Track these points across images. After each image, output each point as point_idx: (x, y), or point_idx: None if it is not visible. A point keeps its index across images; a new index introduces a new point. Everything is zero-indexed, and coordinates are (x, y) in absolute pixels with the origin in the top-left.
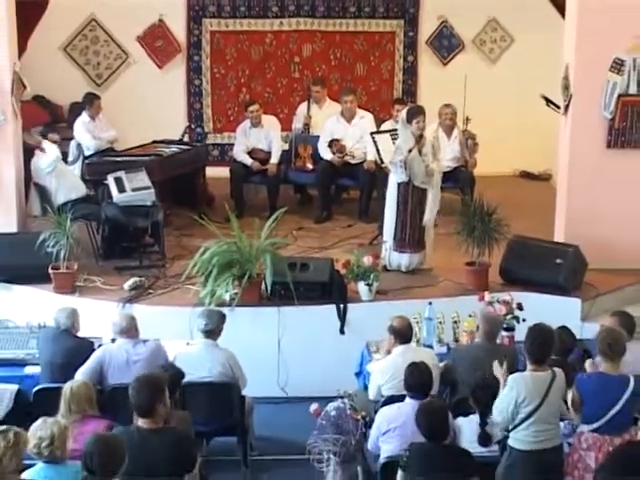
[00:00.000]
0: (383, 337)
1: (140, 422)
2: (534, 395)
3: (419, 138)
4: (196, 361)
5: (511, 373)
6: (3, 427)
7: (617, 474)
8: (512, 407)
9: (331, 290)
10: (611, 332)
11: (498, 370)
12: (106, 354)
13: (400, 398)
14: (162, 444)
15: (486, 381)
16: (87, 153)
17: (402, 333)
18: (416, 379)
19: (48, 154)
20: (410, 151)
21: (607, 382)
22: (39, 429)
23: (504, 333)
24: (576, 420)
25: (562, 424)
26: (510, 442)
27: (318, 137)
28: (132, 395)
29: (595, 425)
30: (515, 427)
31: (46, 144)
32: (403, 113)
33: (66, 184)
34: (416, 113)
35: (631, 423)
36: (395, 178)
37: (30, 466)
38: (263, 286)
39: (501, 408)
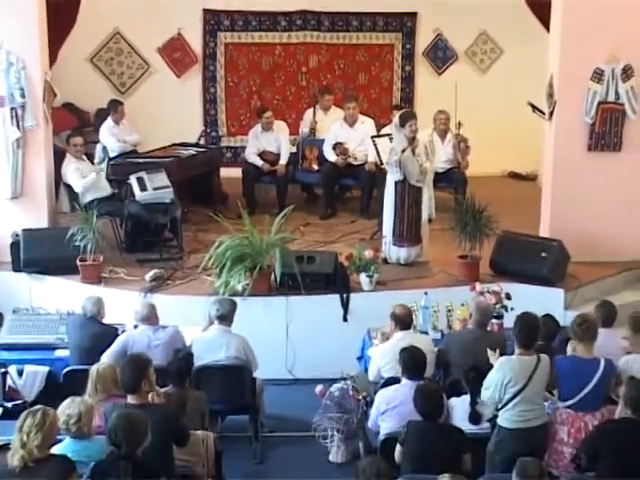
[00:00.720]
0: (383, 324)
1: (129, 399)
2: (519, 377)
3: (412, 140)
4: (211, 345)
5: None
6: (34, 407)
7: (598, 449)
8: (498, 387)
9: (335, 281)
10: (584, 319)
11: (493, 357)
12: (129, 339)
13: (398, 380)
14: (151, 419)
15: (477, 364)
16: (112, 155)
17: (403, 320)
18: (411, 362)
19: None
20: (403, 151)
21: (580, 364)
22: (68, 407)
23: (494, 321)
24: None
25: (546, 404)
26: (499, 421)
27: (323, 140)
28: (120, 374)
29: (569, 402)
30: (503, 407)
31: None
32: (396, 118)
33: (93, 186)
34: (408, 117)
35: (602, 403)
36: (392, 177)
37: (59, 441)
38: (272, 277)
39: (487, 387)
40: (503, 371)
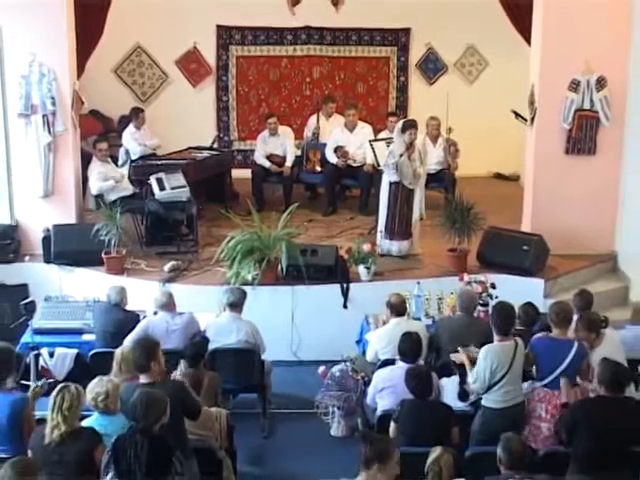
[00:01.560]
0: (380, 311)
1: (141, 378)
2: (504, 362)
3: (409, 146)
4: (223, 330)
5: (485, 343)
6: (66, 385)
7: (575, 424)
8: (488, 373)
9: (336, 272)
10: (560, 304)
11: (461, 357)
12: (149, 324)
13: (393, 362)
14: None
15: (464, 348)
16: (133, 157)
17: (397, 308)
18: (408, 346)
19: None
20: (401, 156)
21: (555, 344)
22: (97, 386)
23: (480, 308)
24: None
25: (525, 384)
26: (484, 402)
27: (325, 144)
28: (131, 355)
29: (546, 381)
30: (488, 389)
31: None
32: (400, 123)
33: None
34: (410, 126)
35: (575, 381)
36: (387, 178)
37: (86, 416)
38: (279, 268)
39: (477, 376)
40: (490, 358)
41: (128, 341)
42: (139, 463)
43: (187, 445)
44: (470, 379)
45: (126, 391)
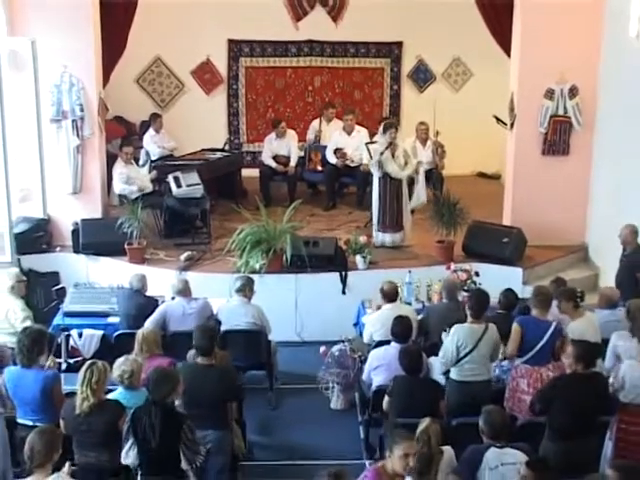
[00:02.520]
0: (375, 297)
1: (199, 359)
2: (469, 341)
3: (389, 145)
4: (233, 314)
5: None
6: (94, 362)
7: (551, 397)
8: (453, 349)
9: (335, 261)
10: (541, 288)
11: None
12: (167, 308)
13: (387, 342)
14: (215, 376)
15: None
16: (153, 158)
17: (389, 294)
18: (399, 328)
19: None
20: (381, 154)
21: (535, 323)
22: (123, 364)
23: (464, 294)
24: (509, 358)
25: (505, 363)
26: (451, 375)
27: (326, 146)
28: (196, 339)
29: (526, 357)
30: (455, 364)
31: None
32: (381, 125)
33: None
34: (389, 127)
35: (550, 358)
36: (375, 175)
37: (111, 390)
38: (284, 258)
39: (445, 350)
40: (457, 336)
41: (148, 323)
42: (153, 431)
43: (227, 420)
44: (440, 353)
45: (184, 369)
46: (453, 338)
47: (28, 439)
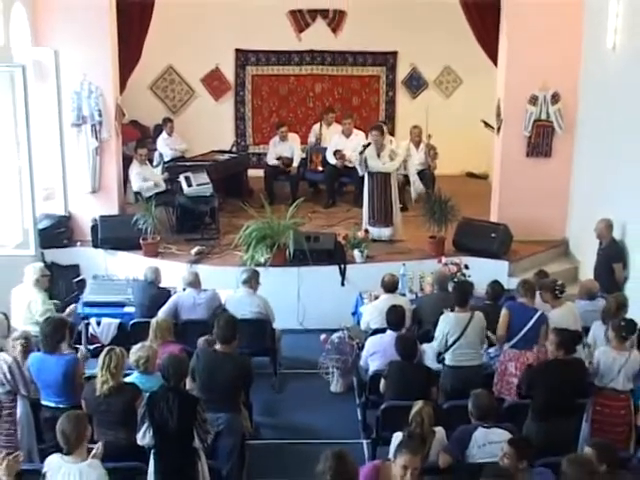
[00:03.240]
0: (372, 288)
1: (219, 347)
2: (456, 329)
3: (368, 144)
4: (240, 304)
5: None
6: (112, 348)
7: (534, 381)
8: (442, 336)
9: (335, 255)
10: (527, 279)
11: None
12: (179, 299)
13: (382, 330)
14: (232, 364)
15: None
16: (166, 159)
17: (388, 286)
18: (393, 317)
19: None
20: (361, 153)
21: (522, 309)
22: (139, 350)
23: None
24: (498, 341)
25: (492, 349)
26: (445, 361)
27: (326, 148)
28: (220, 328)
29: (513, 342)
30: (446, 350)
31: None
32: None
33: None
34: (373, 128)
35: (536, 342)
36: (359, 172)
37: (128, 374)
38: (287, 252)
39: (436, 337)
40: (445, 324)
41: (161, 313)
42: (171, 414)
43: (239, 404)
44: (434, 340)
45: (203, 355)
46: (441, 326)
47: (58, 424)
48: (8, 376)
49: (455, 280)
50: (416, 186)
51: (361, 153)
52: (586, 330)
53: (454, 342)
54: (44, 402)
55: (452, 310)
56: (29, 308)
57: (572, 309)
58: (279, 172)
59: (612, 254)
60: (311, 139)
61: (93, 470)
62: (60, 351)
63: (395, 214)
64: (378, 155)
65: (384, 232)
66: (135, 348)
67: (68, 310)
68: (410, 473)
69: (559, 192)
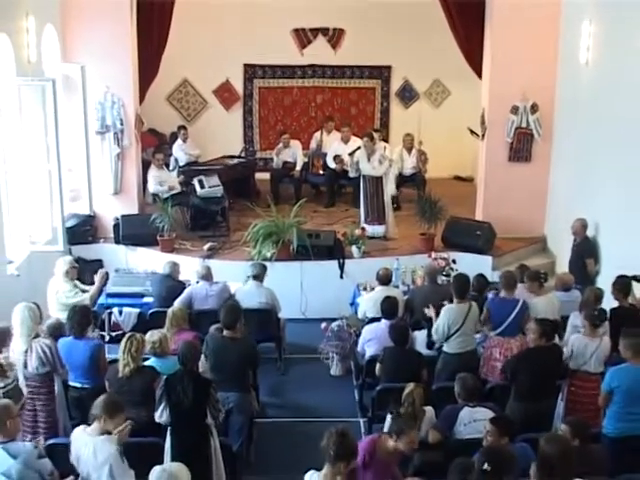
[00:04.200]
0: (368, 280)
1: (225, 333)
2: (458, 319)
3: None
4: (248, 295)
5: (443, 302)
6: (132, 334)
7: (517, 367)
8: (445, 327)
9: (334, 251)
10: (507, 272)
11: (429, 312)
12: (193, 290)
13: (378, 319)
14: (238, 347)
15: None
16: (181, 164)
17: (383, 279)
18: (387, 307)
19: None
20: (351, 154)
21: (504, 302)
22: (152, 336)
23: (443, 278)
24: (486, 330)
25: (478, 335)
26: (444, 348)
27: (326, 153)
28: (223, 316)
29: (498, 331)
30: (447, 339)
31: (164, 187)
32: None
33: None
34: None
35: (518, 331)
36: (351, 174)
37: (146, 359)
38: (291, 248)
39: (437, 328)
40: (448, 315)
41: (177, 303)
42: (186, 394)
43: (247, 384)
44: (433, 330)
45: (212, 341)
46: (444, 317)
47: (98, 398)
48: (50, 357)
49: (444, 274)
50: (389, 188)
51: (350, 154)
52: (562, 318)
53: (456, 331)
54: (72, 383)
55: (451, 302)
56: (57, 297)
57: (553, 299)
58: (284, 175)
59: (585, 250)
60: (313, 145)
61: (106, 445)
62: (87, 336)
63: (388, 213)
64: (368, 159)
65: (378, 229)
66: (148, 335)
67: (99, 274)
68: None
69: (538, 193)
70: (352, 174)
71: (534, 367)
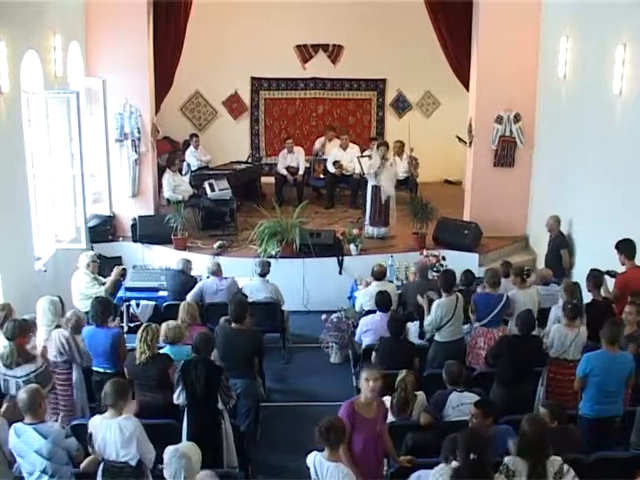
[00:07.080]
0: (365, 276)
1: (233, 325)
2: (449, 310)
3: (382, 158)
4: (255, 289)
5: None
6: (148, 324)
7: (498, 353)
8: (438, 319)
9: (334, 248)
10: (492, 270)
11: (422, 301)
12: (204, 285)
13: (373, 311)
14: (245, 338)
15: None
16: (193, 169)
17: (377, 274)
18: (382, 300)
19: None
20: (379, 168)
21: (489, 297)
22: (167, 327)
23: (434, 274)
24: (473, 320)
25: (466, 326)
26: (435, 338)
27: (327, 159)
28: (231, 309)
29: (483, 322)
30: (438, 330)
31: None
32: (375, 145)
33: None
34: (380, 145)
35: (502, 322)
36: (370, 183)
37: (161, 347)
38: (294, 246)
39: (431, 321)
40: (440, 309)
41: (189, 297)
42: (199, 381)
43: (253, 371)
44: (425, 323)
45: (221, 332)
46: (438, 311)
47: (104, 387)
48: (66, 347)
49: (435, 269)
50: (391, 191)
51: (379, 168)
52: (540, 310)
53: (447, 322)
54: (95, 368)
55: (440, 296)
56: (78, 286)
57: (534, 294)
58: (287, 179)
59: (559, 243)
60: (317, 146)
61: (130, 421)
62: (108, 325)
63: (391, 216)
64: (384, 167)
65: (381, 231)
66: (164, 325)
67: (115, 272)
68: (372, 383)
69: (521, 196)
70: (372, 182)
71: (513, 354)
